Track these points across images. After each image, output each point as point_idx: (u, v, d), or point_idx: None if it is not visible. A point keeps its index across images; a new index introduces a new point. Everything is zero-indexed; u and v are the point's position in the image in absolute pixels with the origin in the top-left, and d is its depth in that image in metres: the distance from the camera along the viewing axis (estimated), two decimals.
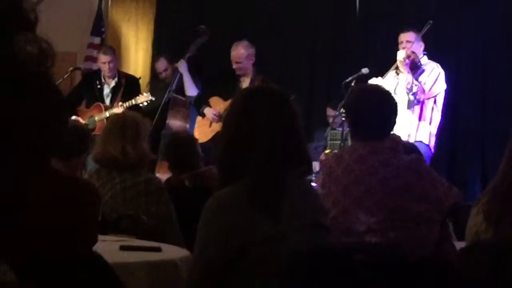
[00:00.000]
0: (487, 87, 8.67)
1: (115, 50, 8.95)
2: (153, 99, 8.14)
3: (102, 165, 4.60)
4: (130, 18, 10.45)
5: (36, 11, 1.75)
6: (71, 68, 8.94)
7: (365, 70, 7.39)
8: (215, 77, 8.67)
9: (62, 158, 4.45)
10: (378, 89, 4.10)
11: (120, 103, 8.18)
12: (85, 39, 10.03)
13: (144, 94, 8.23)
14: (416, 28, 7.50)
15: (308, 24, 9.51)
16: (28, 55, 1.74)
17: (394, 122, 3.79)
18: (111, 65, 8.52)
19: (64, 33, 9.64)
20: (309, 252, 2.66)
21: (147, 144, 4.69)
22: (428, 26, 7.41)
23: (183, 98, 8.65)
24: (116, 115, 5.67)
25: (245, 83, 7.84)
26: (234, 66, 7.95)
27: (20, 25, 1.72)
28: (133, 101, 8.09)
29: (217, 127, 7.79)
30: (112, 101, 8.47)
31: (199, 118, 8.37)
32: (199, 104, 8.29)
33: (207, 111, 8.16)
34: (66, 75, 8.59)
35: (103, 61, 8.53)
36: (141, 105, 8.09)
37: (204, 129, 8.14)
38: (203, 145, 7.59)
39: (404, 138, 5.32)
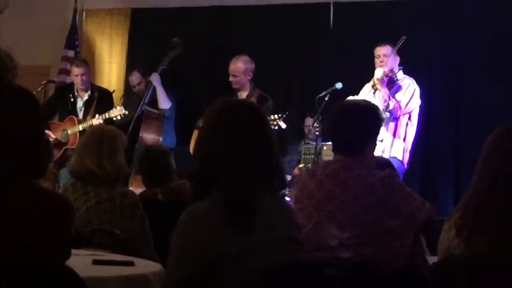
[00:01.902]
0: (460, 103, 8.74)
1: (88, 63, 8.90)
2: (127, 112, 8.10)
3: (78, 178, 4.57)
4: (104, 31, 10.44)
5: None
6: (44, 81, 8.91)
7: (338, 85, 7.40)
8: (213, 90, 8.62)
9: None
10: (360, 105, 4.07)
11: (97, 115, 8.13)
12: (59, 52, 10.00)
13: (118, 107, 8.17)
14: (392, 43, 7.54)
15: (282, 38, 9.53)
16: None
17: (371, 138, 3.79)
18: (84, 77, 8.49)
19: (38, 46, 9.64)
20: (282, 266, 2.66)
21: (124, 158, 4.67)
22: (402, 42, 7.44)
23: (156, 111, 8.63)
24: (93, 128, 5.61)
25: (242, 97, 7.76)
26: (231, 79, 7.89)
27: None
28: (107, 115, 8.05)
29: None
30: (85, 115, 8.44)
31: (195, 131, 8.32)
32: (196, 116, 8.25)
33: None
34: (39, 88, 8.56)
35: (76, 74, 8.49)
36: (114, 118, 8.05)
37: None
38: None
39: (378, 154, 5.32)
